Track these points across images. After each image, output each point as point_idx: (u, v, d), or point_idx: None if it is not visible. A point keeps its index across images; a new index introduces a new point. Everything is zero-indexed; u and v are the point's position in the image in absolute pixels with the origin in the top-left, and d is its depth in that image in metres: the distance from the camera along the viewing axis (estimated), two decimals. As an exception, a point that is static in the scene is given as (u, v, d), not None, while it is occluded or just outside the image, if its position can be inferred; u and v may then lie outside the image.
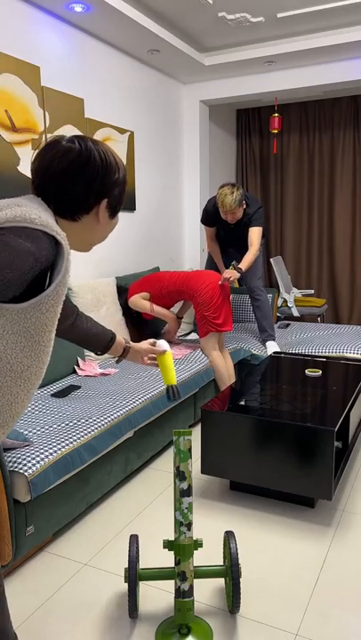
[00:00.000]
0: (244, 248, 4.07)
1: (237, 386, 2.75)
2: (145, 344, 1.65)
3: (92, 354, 3.26)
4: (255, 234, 3.85)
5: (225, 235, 3.99)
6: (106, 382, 2.87)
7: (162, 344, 1.64)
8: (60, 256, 1.03)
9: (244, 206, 3.72)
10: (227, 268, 4.23)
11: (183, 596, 1.60)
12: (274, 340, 3.90)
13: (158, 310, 3.48)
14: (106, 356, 3.34)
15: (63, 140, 1.12)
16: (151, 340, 1.66)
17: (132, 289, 3.55)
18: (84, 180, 1.11)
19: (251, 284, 3.95)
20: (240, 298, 4.60)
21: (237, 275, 3.85)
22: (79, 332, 1.52)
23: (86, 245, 1.21)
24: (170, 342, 3.72)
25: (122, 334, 3.51)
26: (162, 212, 4.65)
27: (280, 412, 2.36)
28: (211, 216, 3.86)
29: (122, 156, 3.97)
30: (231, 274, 3.78)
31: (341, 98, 5.60)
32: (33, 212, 1.00)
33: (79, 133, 3.48)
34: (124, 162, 4.01)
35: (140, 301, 3.48)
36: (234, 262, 4.25)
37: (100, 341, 1.56)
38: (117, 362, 1.69)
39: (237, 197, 3.55)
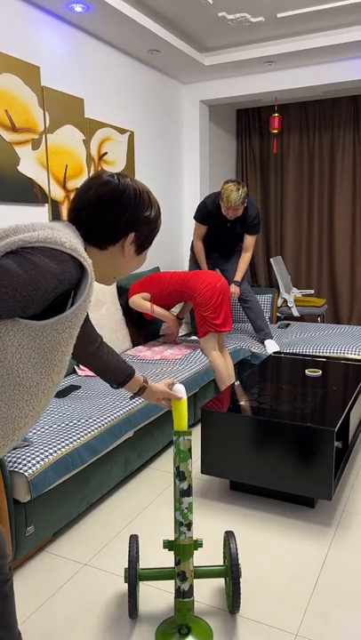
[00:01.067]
0: (230, 252, 4.08)
1: (237, 386, 2.75)
2: (162, 385, 1.63)
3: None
4: (251, 241, 3.87)
5: (216, 235, 3.95)
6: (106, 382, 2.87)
7: (179, 389, 1.61)
8: (84, 280, 1.07)
9: (245, 205, 3.72)
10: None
11: (183, 596, 1.60)
12: (272, 337, 3.89)
13: (158, 311, 3.48)
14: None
15: (105, 174, 1.19)
16: (169, 381, 1.65)
17: (132, 289, 3.56)
18: (114, 211, 1.16)
19: (241, 286, 3.96)
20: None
21: (239, 290, 3.89)
22: (99, 362, 1.52)
23: (109, 278, 1.25)
24: (168, 342, 3.72)
25: (122, 334, 3.51)
26: (162, 212, 4.65)
27: (280, 412, 2.36)
28: (208, 213, 3.83)
29: (122, 156, 3.98)
30: (234, 289, 3.81)
31: (341, 98, 5.60)
32: (64, 236, 1.04)
33: (79, 133, 3.48)
34: (124, 162, 4.01)
35: (140, 302, 3.48)
36: (217, 270, 4.22)
37: (117, 375, 1.56)
38: (131, 398, 1.72)
39: (242, 194, 3.56)
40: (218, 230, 3.92)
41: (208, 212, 3.82)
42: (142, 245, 1.24)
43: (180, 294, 3.44)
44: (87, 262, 1.06)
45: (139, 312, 3.67)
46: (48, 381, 1.10)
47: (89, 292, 1.08)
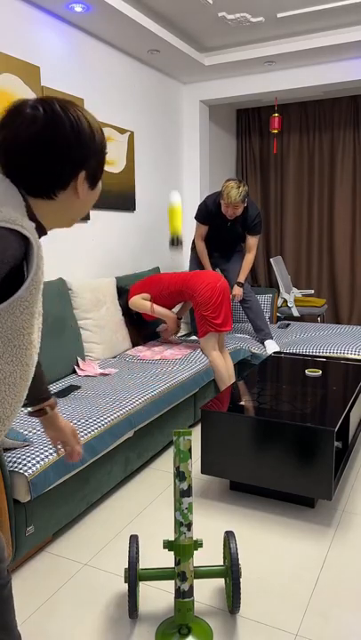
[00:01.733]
0: (230, 252, 4.08)
1: (237, 386, 2.75)
2: (69, 427, 1.39)
3: (93, 354, 3.26)
4: (253, 242, 3.88)
5: (216, 235, 3.96)
6: (106, 382, 2.87)
7: (174, 194, 1.47)
8: (29, 253, 0.93)
9: (245, 204, 3.72)
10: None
11: (183, 596, 1.60)
12: (272, 337, 3.89)
13: (159, 310, 3.48)
14: (107, 355, 3.34)
15: (27, 106, 0.97)
16: (71, 428, 1.41)
17: (132, 290, 3.56)
18: (54, 152, 0.97)
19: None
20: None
21: (241, 292, 3.89)
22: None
23: (67, 222, 1.09)
24: (168, 342, 3.72)
25: (121, 334, 3.51)
26: (162, 213, 4.64)
27: (280, 411, 2.36)
28: (209, 213, 3.84)
29: (122, 156, 3.98)
30: (237, 291, 3.81)
31: (341, 98, 5.60)
32: None
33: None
34: (124, 162, 4.01)
35: (140, 302, 3.47)
36: (217, 269, 4.23)
37: (34, 390, 1.31)
38: (30, 413, 1.38)
39: (243, 192, 3.57)
40: (218, 230, 3.92)
41: (208, 212, 3.83)
42: (95, 179, 1.07)
43: (181, 294, 3.44)
44: (28, 231, 0.91)
45: (138, 313, 3.67)
46: (23, 366, 1.01)
47: (38, 264, 0.94)
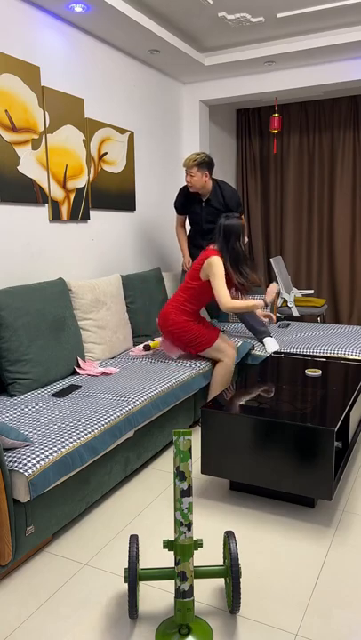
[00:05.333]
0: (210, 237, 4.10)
1: (237, 386, 2.75)
2: None
3: (92, 354, 3.26)
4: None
5: (197, 219, 4.01)
6: (106, 382, 2.87)
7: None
8: None
9: (206, 178, 3.77)
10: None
11: (183, 596, 1.60)
12: (270, 335, 3.84)
13: (245, 303, 3.12)
14: (107, 355, 3.34)
15: None
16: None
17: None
18: None
19: None
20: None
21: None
22: None
23: None
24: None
25: (122, 335, 3.51)
26: (162, 213, 4.65)
27: (280, 412, 2.36)
28: (184, 199, 3.96)
29: (122, 156, 3.98)
30: (276, 288, 3.57)
31: (341, 98, 5.60)
32: None
33: (79, 133, 3.48)
34: (124, 162, 4.01)
35: (235, 304, 3.09)
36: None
37: None
38: None
39: (199, 158, 3.66)
40: (196, 214, 3.99)
41: (183, 196, 3.96)
42: None
43: (204, 289, 3.23)
44: None
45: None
46: None
47: None
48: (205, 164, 3.71)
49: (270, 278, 6.23)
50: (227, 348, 3.29)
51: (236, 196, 3.91)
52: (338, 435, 2.65)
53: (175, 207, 4.06)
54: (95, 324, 3.28)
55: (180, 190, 4.01)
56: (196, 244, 4.12)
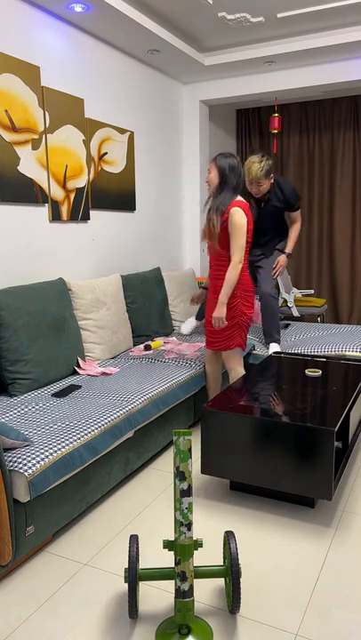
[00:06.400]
0: (269, 242, 3.92)
1: (237, 386, 2.75)
2: None
3: (92, 354, 3.26)
4: (298, 214, 3.83)
5: (255, 219, 3.84)
6: (106, 382, 2.87)
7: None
8: None
9: (272, 180, 3.64)
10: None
11: (183, 596, 1.60)
12: (278, 342, 3.82)
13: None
14: (107, 355, 3.34)
15: None
16: None
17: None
18: None
19: (263, 289, 3.74)
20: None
21: (286, 262, 3.74)
22: None
23: None
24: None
25: (122, 334, 3.51)
26: (162, 213, 4.65)
27: (280, 412, 2.36)
28: (253, 210, 3.74)
29: (122, 156, 3.98)
30: (282, 261, 3.67)
31: (341, 98, 5.60)
32: None
33: (79, 133, 3.48)
34: (124, 162, 4.01)
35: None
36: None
37: None
38: None
39: (264, 167, 3.45)
40: (254, 215, 3.80)
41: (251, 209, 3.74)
42: None
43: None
44: None
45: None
46: None
47: None
48: (269, 169, 3.53)
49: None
50: (237, 368, 3.10)
51: (295, 190, 3.75)
52: (338, 435, 2.65)
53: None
54: (95, 324, 3.28)
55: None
56: (253, 243, 3.99)
